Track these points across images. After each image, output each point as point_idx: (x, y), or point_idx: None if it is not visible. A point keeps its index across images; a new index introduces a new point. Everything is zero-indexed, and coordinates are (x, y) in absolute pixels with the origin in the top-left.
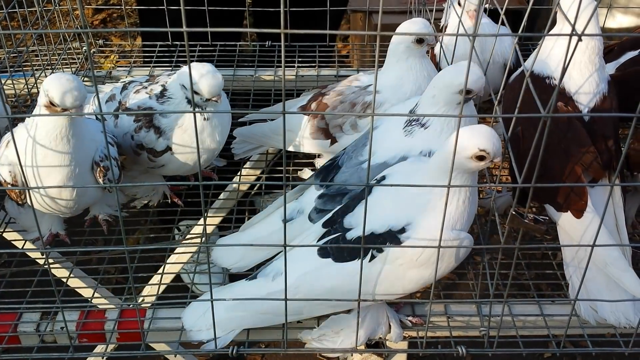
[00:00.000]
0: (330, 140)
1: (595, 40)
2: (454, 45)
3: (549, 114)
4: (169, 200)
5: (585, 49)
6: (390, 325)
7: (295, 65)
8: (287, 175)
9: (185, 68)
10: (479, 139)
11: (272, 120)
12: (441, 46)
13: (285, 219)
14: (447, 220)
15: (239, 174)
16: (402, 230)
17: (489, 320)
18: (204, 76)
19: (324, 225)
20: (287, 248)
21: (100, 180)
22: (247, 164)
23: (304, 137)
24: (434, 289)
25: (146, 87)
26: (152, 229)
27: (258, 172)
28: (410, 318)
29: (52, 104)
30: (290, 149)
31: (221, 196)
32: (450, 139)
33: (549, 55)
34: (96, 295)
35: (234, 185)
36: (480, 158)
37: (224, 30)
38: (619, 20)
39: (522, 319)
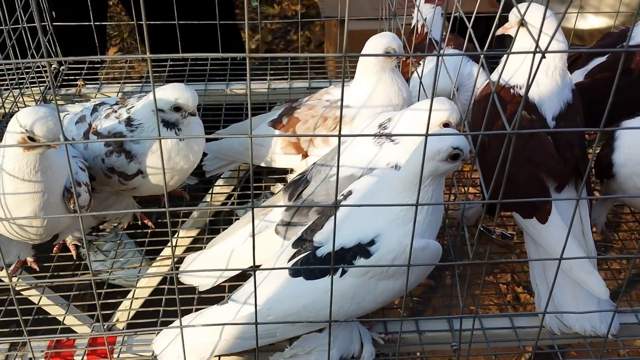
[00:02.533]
0: (301, 154)
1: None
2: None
3: (514, 130)
4: (139, 222)
5: (552, 57)
6: (362, 344)
7: (267, 78)
8: (259, 191)
9: (151, 95)
10: (451, 138)
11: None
12: (416, 70)
13: (253, 236)
14: (417, 229)
15: (210, 191)
16: (372, 242)
17: (460, 335)
18: (182, 91)
19: (294, 245)
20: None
21: (71, 207)
22: (219, 181)
23: (274, 153)
24: (406, 304)
25: (116, 111)
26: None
27: (230, 189)
28: (382, 335)
29: (31, 138)
30: (262, 164)
31: (193, 215)
32: (418, 148)
33: (514, 65)
34: (66, 322)
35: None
36: (455, 157)
37: (194, 55)
38: (591, 22)
39: (493, 332)
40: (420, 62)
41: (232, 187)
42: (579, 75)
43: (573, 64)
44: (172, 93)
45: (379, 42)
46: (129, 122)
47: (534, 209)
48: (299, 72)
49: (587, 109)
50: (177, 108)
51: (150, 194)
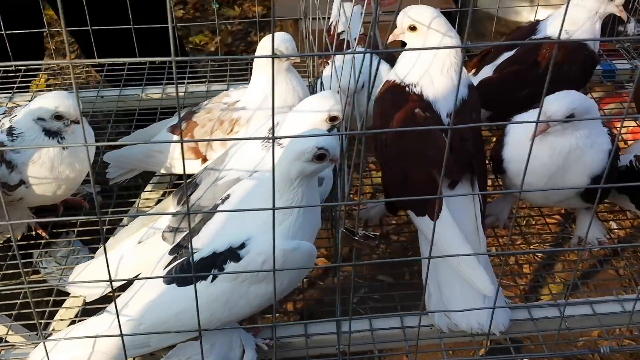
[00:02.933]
0: (201, 159)
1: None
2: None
3: (364, 131)
4: (34, 233)
5: (446, 55)
6: (244, 350)
7: (185, 81)
8: (163, 197)
9: (32, 104)
10: (315, 138)
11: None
12: (323, 70)
13: (104, 247)
14: (287, 231)
15: (139, 197)
16: (242, 245)
17: (339, 338)
18: (63, 100)
19: (171, 251)
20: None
21: None
22: (148, 187)
23: (174, 158)
24: (277, 309)
25: (0, 121)
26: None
27: (159, 194)
28: (267, 341)
29: None
30: (162, 170)
31: (123, 222)
32: (285, 150)
33: (409, 64)
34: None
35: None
36: (321, 157)
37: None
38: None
39: (381, 333)
40: (329, 61)
41: (162, 192)
42: (488, 70)
43: (483, 59)
44: (52, 102)
45: (268, 43)
46: (10, 131)
47: (426, 206)
48: (218, 75)
49: (496, 103)
50: (58, 116)
51: (40, 204)
